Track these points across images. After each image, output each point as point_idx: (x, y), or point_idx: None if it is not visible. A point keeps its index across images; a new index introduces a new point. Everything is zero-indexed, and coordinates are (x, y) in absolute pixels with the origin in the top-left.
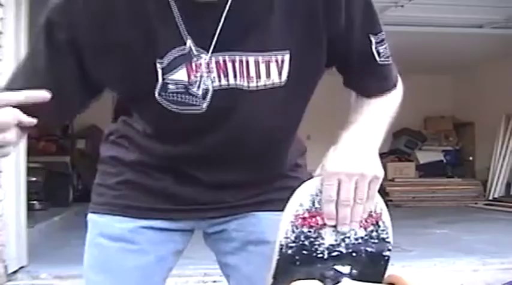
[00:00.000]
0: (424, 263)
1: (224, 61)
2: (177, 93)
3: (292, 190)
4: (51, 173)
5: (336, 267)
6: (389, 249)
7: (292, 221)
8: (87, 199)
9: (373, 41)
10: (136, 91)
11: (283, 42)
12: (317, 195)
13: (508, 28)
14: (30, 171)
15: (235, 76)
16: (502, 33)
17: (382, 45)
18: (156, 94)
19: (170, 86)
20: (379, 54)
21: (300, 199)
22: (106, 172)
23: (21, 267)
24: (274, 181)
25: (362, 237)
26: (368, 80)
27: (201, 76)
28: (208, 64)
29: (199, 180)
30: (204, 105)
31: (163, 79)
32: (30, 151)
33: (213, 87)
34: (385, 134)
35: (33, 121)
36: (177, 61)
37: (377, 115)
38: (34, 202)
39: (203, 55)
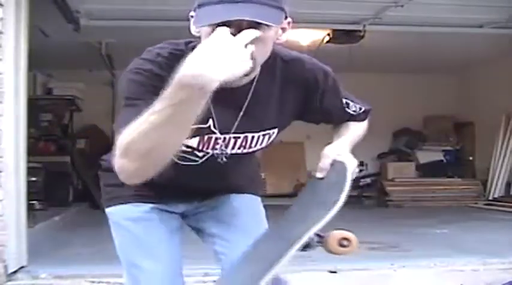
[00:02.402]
0: (424, 263)
1: (235, 138)
2: (184, 152)
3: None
4: (51, 173)
5: None
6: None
7: None
8: (87, 198)
9: (344, 105)
10: None
11: (275, 123)
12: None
13: (508, 28)
14: (30, 171)
15: (240, 148)
16: (502, 33)
17: (351, 105)
18: None
19: (182, 148)
20: (351, 111)
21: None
22: (115, 176)
23: (21, 267)
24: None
25: None
26: (346, 120)
27: (208, 147)
28: (216, 139)
29: (190, 191)
30: (200, 162)
31: None
32: (30, 151)
33: (213, 153)
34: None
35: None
36: (195, 132)
37: (352, 136)
38: (34, 202)
39: (217, 133)
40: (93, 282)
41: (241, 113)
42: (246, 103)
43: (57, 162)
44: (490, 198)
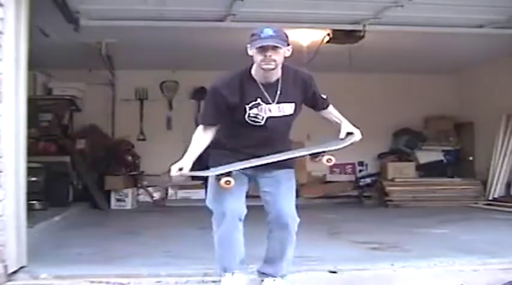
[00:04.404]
0: (424, 263)
1: (276, 107)
2: (252, 117)
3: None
4: (51, 173)
5: None
6: None
7: None
8: (87, 198)
9: (323, 97)
10: (238, 116)
11: (293, 99)
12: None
13: (509, 28)
14: (30, 171)
15: (279, 112)
16: (502, 33)
17: (324, 96)
18: (246, 117)
19: (251, 115)
20: (325, 100)
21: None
22: (216, 152)
23: (21, 267)
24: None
25: None
26: (323, 106)
27: (264, 112)
28: (267, 108)
29: (255, 155)
30: (263, 122)
31: (248, 112)
32: (30, 151)
33: (268, 116)
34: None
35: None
36: (254, 105)
37: (342, 117)
38: (34, 202)
39: (265, 104)
40: (93, 282)
41: (278, 92)
42: (279, 88)
43: (57, 162)
44: (490, 198)
